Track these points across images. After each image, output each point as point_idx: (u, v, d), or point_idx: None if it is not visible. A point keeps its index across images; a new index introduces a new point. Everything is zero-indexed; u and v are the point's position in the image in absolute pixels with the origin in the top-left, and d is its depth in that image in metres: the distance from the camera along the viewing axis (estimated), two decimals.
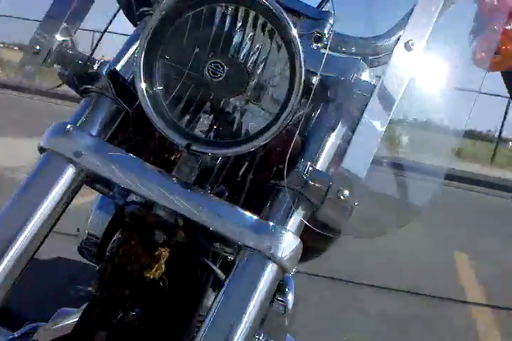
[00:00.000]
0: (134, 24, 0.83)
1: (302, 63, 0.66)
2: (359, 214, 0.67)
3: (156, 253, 0.85)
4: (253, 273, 0.67)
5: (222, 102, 0.70)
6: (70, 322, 0.98)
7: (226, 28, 0.69)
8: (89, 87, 0.73)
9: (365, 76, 0.79)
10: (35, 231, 0.67)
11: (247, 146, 0.67)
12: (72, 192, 0.70)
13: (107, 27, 0.72)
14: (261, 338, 0.94)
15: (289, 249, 0.68)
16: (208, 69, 0.66)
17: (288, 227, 0.71)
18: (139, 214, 0.77)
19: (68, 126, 0.70)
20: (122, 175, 0.69)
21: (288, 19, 0.66)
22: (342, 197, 0.66)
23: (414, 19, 0.70)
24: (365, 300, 3.10)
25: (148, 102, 0.68)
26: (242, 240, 0.68)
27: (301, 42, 0.79)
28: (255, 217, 0.70)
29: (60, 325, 0.98)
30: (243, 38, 0.69)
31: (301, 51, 0.65)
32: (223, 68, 0.66)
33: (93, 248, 1.20)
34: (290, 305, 0.92)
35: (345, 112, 0.77)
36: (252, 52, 0.69)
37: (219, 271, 0.85)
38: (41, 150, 0.70)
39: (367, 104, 0.68)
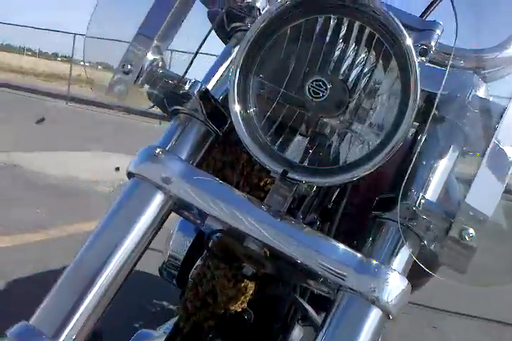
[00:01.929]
0: (224, 41, 0.78)
1: (418, 78, 0.58)
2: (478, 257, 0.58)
3: (243, 285, 0.80)
4: (355, 318, 0.60)
5: (321, 124, 0.63)
6: None
7: (327, 42, 0.62)
8: (179, 108, 0.68)
9: (482, 93, 0.70)
10: (124, 259, 0.64)
11: (349, 175, 0.60)
12: (161, 219, 0.66)
13: (200, 46, 0.67)
14: None
15: (396, 292, 0.60)
16: (309, 89, 0.60)
17: (394, 266, 0.63)
18: (227, 244, 0.71)
19: (157, 151, 0.66)
20: (213, 204, 0.64)
21: (401, 27, 0.59)
22: (467, 237, 0.57)
23: None
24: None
25: (242, 125, 0.63)
26: (342, 280, 0.61)
27: None
28: (357, 254, 0.62)
29: None
30: (346, 52, 0.62)
31: (416, 64, 0.58)
32: (326, 87, 0.60)
33: (174, 270, 1.17)
34: None
35: (459, 134, 0.68)
36: (356, 68, 0.62)
37: (310, 309, 0.78)
38: (130, 175, 0.66)
39: (495, 128, 0.59)
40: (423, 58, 0.75)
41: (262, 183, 0.76)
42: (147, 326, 1.20)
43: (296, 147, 0.64)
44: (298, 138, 0.64)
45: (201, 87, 0.67)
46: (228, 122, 0.70)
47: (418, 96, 0.58)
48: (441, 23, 0.79)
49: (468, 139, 0.69)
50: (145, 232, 0.65)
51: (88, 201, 4.44)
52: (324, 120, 0.62)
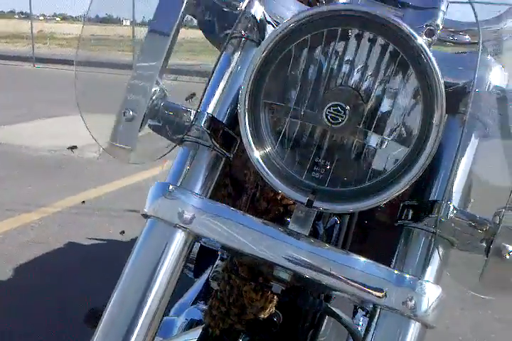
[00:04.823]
0: (218, 46, 0.72)
1: (443, 97, 0.54)
2: None
3: (270, 294, 0.79)
4: (396, 334, 0.60)
5: (341, 144, 0.59)
6: None
7: (337, 58, 0.57)
8: (184, 136, 0.64)
9: (499, 78, 0.66)
10: (156, 304, 0.62)
11: (380, 198, 0.57)
12: (184, 255, 0.64)
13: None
14: None
15: (433, 303, 0.60)
16: (327, 115, 0.55)
17: (427, 277, 0.62)
18: (254, 266, 0.69)
19: (170, 188, 0.62)
20: (236, 240, 0.61)
21: (412, 31, 0.54)
22: (507, 255, 0.55)
23: None
24: None
25: (258, 157, 0.58)
26: (379, 298, 0.59)
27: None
28: (391, 270, 0.61)
29: None
30: (354, 64, 0.58)
31: (442, 85, 0.53)
32: (345, 111, 0.55)
33: (189, 263, 1.17)
34: None
35: (482, 129, 0.65)
36: (370, 81, 0.58)
37: (343, 315, 0.78)
38: (146, 216, 0.63)
39: None
40: (430, 39, 0.70)
41: (277, 201, 0.73)
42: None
43: (319, 170, 0.60)
44: (317, 158, 0.60)
45: (206, 116, 0.62)
46: (238, 142, 0.66)
47: (444, 111, 0.54)
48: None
49: (494, 132, 0.65)
50: (172, 271, 0.63)
51: (80, 169, 4.38)
52: (347, 140, 0.59)
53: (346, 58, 0.58)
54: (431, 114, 0.55)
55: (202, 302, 1.42)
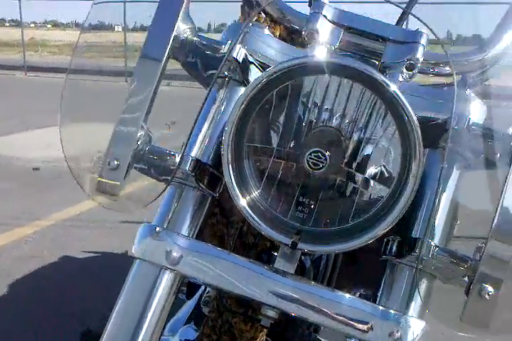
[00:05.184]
0: (203, 84, 0.73)
1: (419, 137, 0.55)
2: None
3: (260, 327, 0.80)
4: None
5: (325, 184, 0.61)
6: None
7: (319, 102, 0.59)
8: (170, 177, 0.65)
9: (478, 113, 0.67)
10: None
11: (362, 240, 0.58)
12: (173, 294, 0.65)
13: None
14: None
15: (417, 336, 0.61)
16: (308, 161, 0.57)
17: (410, 312, 0.63)
18: (242, 301, 0.71)
19: (157, 229, 0.63)
20: (222, 279, 0.62)
21: (385, 79, 0.55)
22: (486, 296, 0.57)
23: None
24: None
25: (241, 199, 0.60)
26: (365, 333, 0.61)
27: (392, 76, 0.68)
28: (376, 307, 0.62)
29: None
30: (334, 107, 0.60)
31: (417, 127, 0.55)
32: (325, 157, 0.56)
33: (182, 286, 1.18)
34: None
35: (462, 161, 0.66)
36: (351, 123, 0.59)
37: None
38: (133, 257, 0.64)
39: (508, 170, 0.57)
40: (411, 72, 0.71)
41: (264, 236, 0.74)
42: None
43: (300, 208, 0.62)
44: (301, 198, 0.62)
45: (191, 160, 0.64)
46: (223, 182, 0.67)
47: (422, 149, 0.55)
48: (424, 32, 0.75)
49: (472, 167, 0.67)
50: (161, 310, 0.64)
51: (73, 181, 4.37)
52: (329, 182, 0.60)
53: (327, 102, 0.59)
54: (409, 160, 0.56)
55: (193, 321, 1.43)
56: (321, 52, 0.60)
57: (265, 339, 0.85)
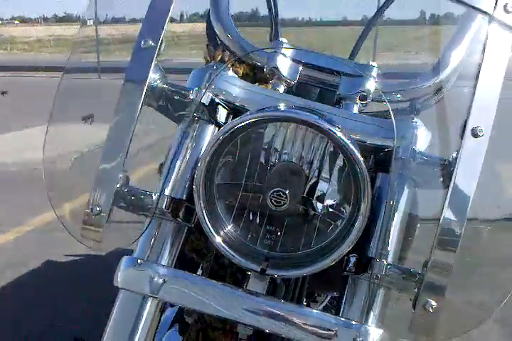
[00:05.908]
0: (176, 122, 0.80)
1: (365, 174, 0.63)
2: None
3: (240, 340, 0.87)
4: None
5: (288, 212, 0.68)
6: None
7: (278, 144, 0.66)
8: (147, 213, 0.72)
9: (423, 140, 0.75)
10: None
11: (324, 263, 0.66)
12: (157, 319, 0.72)
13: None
14: None
15: None
16: (271, 199, 0.64)
17: (370, 322, 0.71)
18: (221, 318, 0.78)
19: (138, 261, 0.70)
20: (200, 302, 0.69)
21: (331, 128, 0.63)
22: (430, 309, 0.65)
23: (477, 104, 0.66)
24: None
25: (212, 230, 0.67)
26: None
27: (347, 106, 0.76)
28: (339, 319, 0.70)
29: None
30: (294, 147, 0.68)
31: (361, 162, 0.63)
32: (286, 196, 0.64)
33: None
34: None
35: (411, 186, 0.74)
36: (308, 162, 0.67)
37: None
38: (117, 287, 0.71)
39: (447, 190, 0.65)
40: (364, 102, 0.79)
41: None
42: None
43: (268, 236, 0.69)
44: (268, 226, 0.69)
45: (167, 198, 0.70)
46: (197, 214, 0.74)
47: (369, 201, 0.64)
48: (375, 65, 0.82)
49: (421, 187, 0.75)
50: (146, 334, 0.71)
51: None
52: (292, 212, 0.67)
53: (286, 144, 0.67)
54: (359, 200, 0.64)
55: (178, 325, 1.50)
56: (278, 107, 0.67)
57: None
